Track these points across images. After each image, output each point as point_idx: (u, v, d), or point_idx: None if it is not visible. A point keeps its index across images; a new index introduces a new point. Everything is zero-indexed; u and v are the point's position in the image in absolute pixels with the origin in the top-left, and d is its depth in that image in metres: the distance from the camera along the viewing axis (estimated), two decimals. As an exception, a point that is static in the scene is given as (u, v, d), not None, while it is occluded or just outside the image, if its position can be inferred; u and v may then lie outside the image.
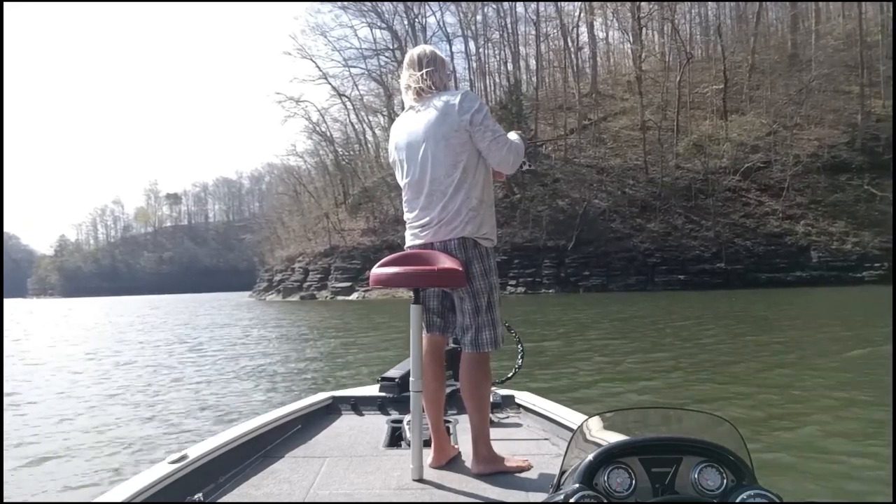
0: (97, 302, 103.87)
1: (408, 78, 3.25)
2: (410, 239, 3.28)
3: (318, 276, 68.67)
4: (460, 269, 3.02)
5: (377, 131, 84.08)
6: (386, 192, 71.52)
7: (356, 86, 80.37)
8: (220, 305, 60.35)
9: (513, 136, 3.25)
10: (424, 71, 3.22)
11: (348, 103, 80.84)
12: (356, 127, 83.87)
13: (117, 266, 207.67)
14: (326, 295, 65.08)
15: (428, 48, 3.35)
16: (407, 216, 3.30)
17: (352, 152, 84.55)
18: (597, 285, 51.26)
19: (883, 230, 46.86)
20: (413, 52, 3.32)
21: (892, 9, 52.58)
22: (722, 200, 52.98)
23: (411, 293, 3.06)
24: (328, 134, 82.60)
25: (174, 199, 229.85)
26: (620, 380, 10.94)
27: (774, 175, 52.97)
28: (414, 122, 3.21)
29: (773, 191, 52.47)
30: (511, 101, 63.55)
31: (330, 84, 78.31)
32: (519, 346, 4.63)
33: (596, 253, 53.15)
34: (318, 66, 77.91)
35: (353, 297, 61.14)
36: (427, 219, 3.15)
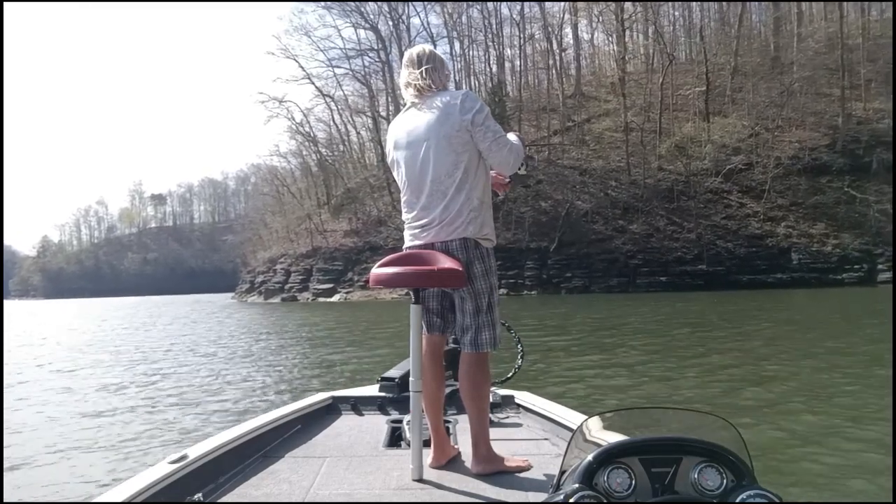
0: (82, 304, 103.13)
1: (408, 76, 3.25)
2: (410, 239, 3.26)
3: (300, 277, 68.39)
4: (461, 269, 3.02)
5: (361, 132, 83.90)
6: (369, 193, 71.40)
7: (340, 86, 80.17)
8: (198, 307, 59.99)
9: (512, 137, 3.27)
10: (424, 69, 3.22)
11: (332, 104, 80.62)
12: (340, 128, 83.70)
13: (101, 267, 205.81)
14: (308, 296, 64.86)
15: (427, 47, 3.36)
16: (406, 216, 3.29)
17: (335, 153, 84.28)
18: (579, 287, 51.38)
19: (863, 232, 47.25)
20: (412, 51, 3.33)
21: (891, 9, 52.95)
22: (704, 202, 53.17)
23: (407, 293, 3.07)
24: (312, 134, 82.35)
25: (159, 199, 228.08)
26: (620, 380, 11.02)
27: (756, 177, 53.13)
28: (414, 122, 3.20)
29: (755, 193, 52.65)
30: (494, 102, 63.52)
31: (314, 84, 78.04)
32: (519, 346, 4.66)
33: (578, 254, 53.27)
34: (301, 67, 77.52)
35: (335, 298, 60.98)
36: (427, 219, 3.15)
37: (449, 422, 3.93)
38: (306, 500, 2.81)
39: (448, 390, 3.91)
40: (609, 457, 1.82)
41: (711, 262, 49.30)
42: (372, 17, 75.28)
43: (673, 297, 38.50)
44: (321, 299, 62.09)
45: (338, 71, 78.78)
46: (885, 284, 42.28)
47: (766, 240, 49.68)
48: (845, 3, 59.09)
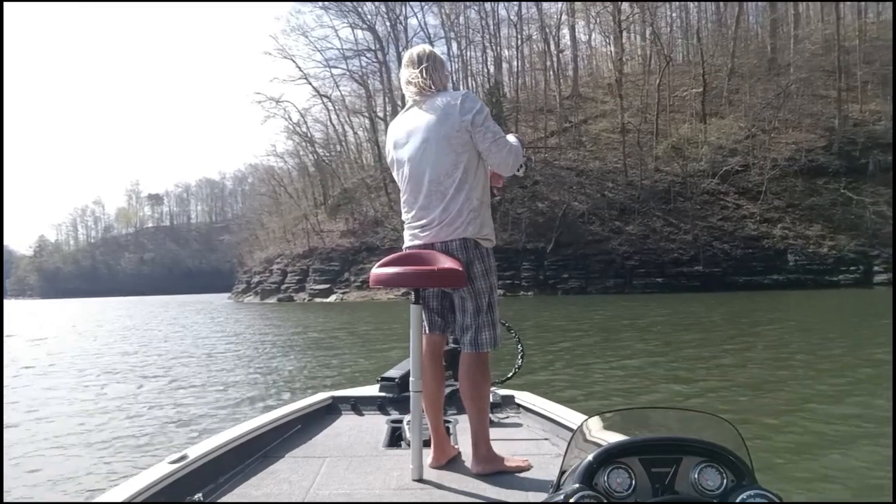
0: (79, 304, 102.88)
1: (408, 75, 3.26)
2: (410, 239, 3.27)
3: (297, 277, 68.33)
4: (461, 269, 3.04)
5: (358, 132, 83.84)
6: (366, 193, 71.32)
7: (337, 86, 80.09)
8: (195, 308, 59.80)
9: (511, 138, 3.28)
10: (423, 67, 3.23)
11: (329, 104, 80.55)
12: (337, 128, 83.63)
13: (97, 267, 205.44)
14: (304, 297, 64.79)
15: (427, 48, 3.38)
16: (405, 216, 3.30)
17: (332, 153, 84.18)
18: (575, 288, 51.37)
19: (859, 234, 47.27)
20: (413, 51, 3.34)
21: (888, 11, 53.09)
22: (700, 203, 53.15)
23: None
24: (309, 135, 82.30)
25: (156, 199, 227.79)
26: (620, 380, 11.03)
27: (752, 178, 53.20)
28: (414, 122, 3.22)
29: (751, 194, 52.67)
30: (491, 102, 63.43)
31: (311, 84, 77.99)
32: (519, 346, 4.67)
33: (575, 255, 53.24)
34: (298, 67, 77.48)
35: (331, 298, 60.90)
36: (427, 219, 3.17)
37: (449, 422, 3.93)
38: (306, 500, 2.81)
39: (448, 390, 3.91)
40: (609, 457, 1.83)
41: (708, 264, 49.26)
42: (369, 17, 75.35)
43: (669, 299, 38.51)
44: (318, 300, 62.01)
45: (335, 71, 78.85)
46: (881, 286, 42.39)
47: (763, 241, 49.68)
48: (842, 5, 59.18)
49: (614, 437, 1.96)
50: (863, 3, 60.02)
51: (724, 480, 1.79)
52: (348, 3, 74.20)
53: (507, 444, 3.51)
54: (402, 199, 3.32)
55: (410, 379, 3.07)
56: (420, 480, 3.01)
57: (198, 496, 2.64)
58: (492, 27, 74.87)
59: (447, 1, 73.51)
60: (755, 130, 55.81)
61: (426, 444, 3.22)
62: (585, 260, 52.76)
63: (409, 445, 3.28)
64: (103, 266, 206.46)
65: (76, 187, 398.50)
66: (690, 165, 55.34)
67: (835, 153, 51.65)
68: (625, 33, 68.69)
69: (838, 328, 19.35)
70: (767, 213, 51.16)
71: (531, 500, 2.76)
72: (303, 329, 26.41)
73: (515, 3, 71.75)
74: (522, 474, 3.10)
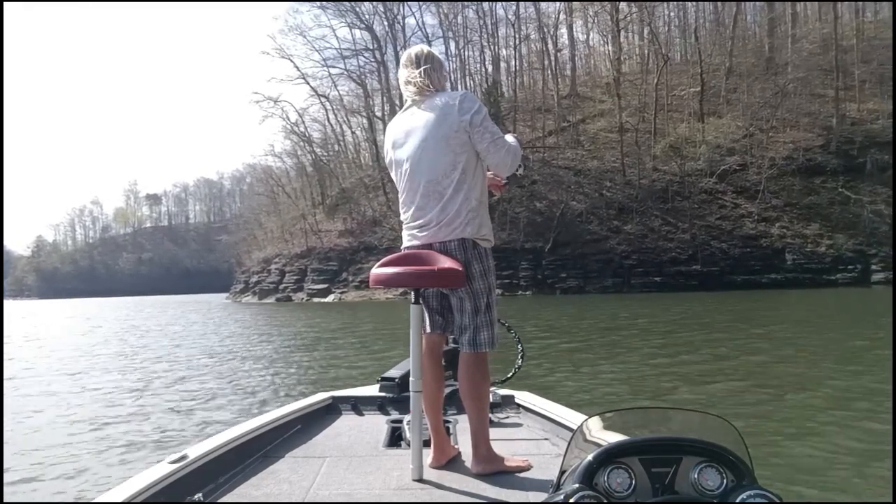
0: (78, 304, 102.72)
1: (407, 75, 3.25)
2: (408, 239, 3.26)
3: (295, 277, 68.23)
4: (461, 269, 3.03)
5: (356, 132, 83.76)
6: (364, 193, 71.25)
7: (335, 86, 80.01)
8: (193, 308, 59.74)
9: (510, 138, 3.28)
10: (423, 69, 3.23)
11: (327, 104, 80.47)
12: (335, 128, 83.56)
13: (96, 267, 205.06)
14: (302, 297, 64.72)
15: (425, 48, 3.37)
16: (403, 216, 3.29)
17: (330, 153, 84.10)
18: (573, 287, 51.38)
19: (856, 233, 47.32)
20: (411, 51, 3.34)
21: (886, 10, 53.16)
22: (698, 203, 53.14)
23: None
24: (307, 134, 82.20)
25: (154, 199, 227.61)
26: (620, 380, 11.03)
27: (750, 177, 53.18)
28: (413, 122, 3.21)
29: (749, 193, 52.64)
30: (489, 102, 63.29)
31: (308, 84, 77.93)
32: (518, 346, 4.66)
33: (573, 255, 53.24)
34: (296, 66, 77.43)
35: (330, 298, 60.86)
36: (425, 219, 3.16)
37: (449, 422, 3.93)
38: (306, 500, 2.81)
39: (448, 390, 3.91)
40: (609, 457, 1.82)
41: (706, 263, 49.27)
42: (367, 17, 75.28)
43: (668, 298, 38.49)
44: (316, 299, 61.95)
45: (333, 71, 78.75)
46: (879, 285, 42.47)
47: (761, 240, 49.68)
48: (839, 4, 59.23)
49: (614, 437, 1.96)
50: (860, 3, 60.06)
51: (724, 480, 1.79)
52: (346, 3, 74.22)
53: (507, 444, 3.50)
54: (401, 200, 3.31)
55: (410, 379, 3.06)
56: (420, 480, 3.01)
57: (198, 496, 2.63)
58: (490, 27, 75.00)
59: (445, 0, 73.58)
60: (753, 129, 55.80)
61: (426, 444, 3.21)
62: (584, 259, 52.76)
63: (409, 445, 3.28)
64: (101, 266, 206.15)
65: (74, 187, 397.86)
66: (688, 165, 55.36)
67: (832, 152, 51.68)
68: (623, 33, 68.71)
69: (838, 327, 19.36)
70: (765, 213, 51.15)
71: (531, 500, 2.76)
72: (302, 329, 26.40)
73: (513, 2, 71.84)
74: (522, 474, 3.09)
